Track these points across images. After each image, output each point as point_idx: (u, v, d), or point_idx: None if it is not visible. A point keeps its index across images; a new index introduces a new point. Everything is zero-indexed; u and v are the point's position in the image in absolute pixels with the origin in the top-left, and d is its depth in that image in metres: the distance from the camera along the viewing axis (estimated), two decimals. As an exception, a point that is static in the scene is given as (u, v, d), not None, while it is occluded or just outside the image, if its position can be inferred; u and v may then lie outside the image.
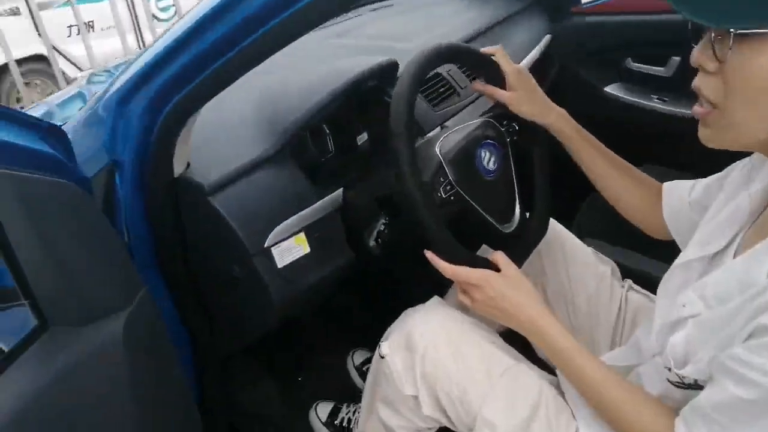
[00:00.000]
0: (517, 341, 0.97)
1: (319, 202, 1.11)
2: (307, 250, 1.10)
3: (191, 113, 0.92)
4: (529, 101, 1.08)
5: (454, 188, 0.98)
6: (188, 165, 1.04)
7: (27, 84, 4.08)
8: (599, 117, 1.31)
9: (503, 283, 0.92)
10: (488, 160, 1.04)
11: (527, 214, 1.12)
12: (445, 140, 1.03)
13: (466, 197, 1.00)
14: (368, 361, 1.64)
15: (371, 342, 1.76)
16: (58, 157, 0.78)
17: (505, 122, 1.11)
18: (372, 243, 0.97)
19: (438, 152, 1.00)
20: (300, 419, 1.52)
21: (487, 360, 0.94)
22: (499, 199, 1.05)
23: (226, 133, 1.12)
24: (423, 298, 1.07)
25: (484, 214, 1.02)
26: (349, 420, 1.47)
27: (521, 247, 1.08)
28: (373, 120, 1.34)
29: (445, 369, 0.94)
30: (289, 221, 1.06)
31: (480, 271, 0.93)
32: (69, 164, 0.81)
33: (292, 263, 1.08)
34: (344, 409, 1.50)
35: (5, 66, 3.71)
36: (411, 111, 0.94)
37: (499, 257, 0.95)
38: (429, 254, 0.94)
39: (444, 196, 0.97)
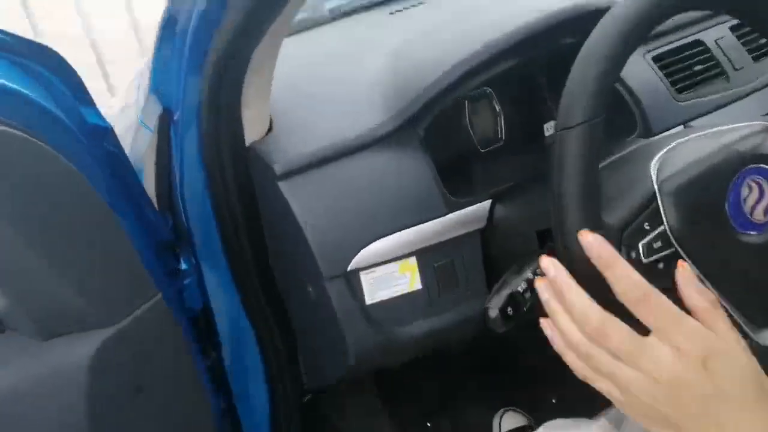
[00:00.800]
0: None
1: (453, 216, 0.72)
2: (417, 285, 0.72)
3: (259, 35, 0.60)
4: None
5: (671, 246, 0.52)
6: (270, 130, 0.73)
7: None
8: None
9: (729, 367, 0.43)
10: (757, 201, 0.55)
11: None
12: (675, 152, 0.57)
13: (693, 267, 0.53)
14: (521, 431, 1.22)
15: (533, 405, 1.34)
16: (18, 94, 0.51)
17: (808, 135, 0.60)
18: (494, 312, 0.56)
19: (653, 173, 0.54)
20: (412, 480, 1.17)
21: None
22: (765, 280, 0.56)
23: (334, 94, 0.78)
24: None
25: (723, 303, 0.54)
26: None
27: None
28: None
29: None
30: (395, 237, 0.69)
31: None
32: (45, 106, 0.54)
33: (388, 301, 0.71)
34: (469, 487, 1.12)
35: None
36: (604, 88, 0.51)
37: (701, 303, 0.45)
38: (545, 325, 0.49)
39: (645, 259, 0.51)
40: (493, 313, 0.56)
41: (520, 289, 0.57)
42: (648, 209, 0.53)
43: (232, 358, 0.87)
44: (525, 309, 0.58)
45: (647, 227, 0.52)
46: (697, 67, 0.89)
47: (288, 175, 0.68)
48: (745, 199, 0.54)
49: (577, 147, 0.49)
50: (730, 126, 0.60)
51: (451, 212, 0.71)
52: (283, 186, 0.68)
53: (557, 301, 0.46)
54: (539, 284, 0.48)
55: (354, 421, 1.19)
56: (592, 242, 0.45)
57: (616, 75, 0.53)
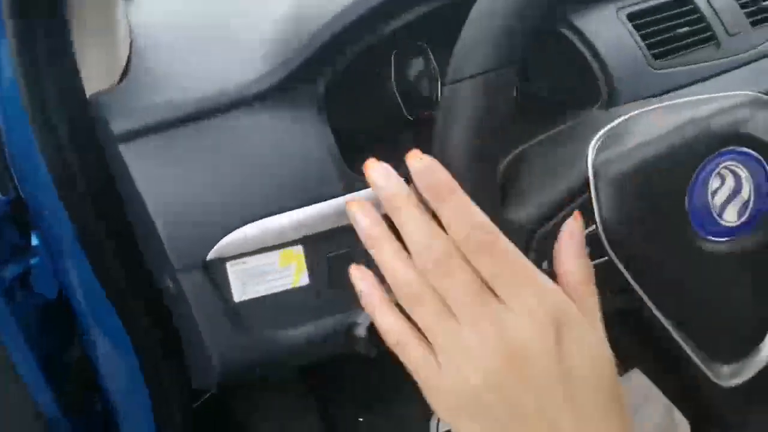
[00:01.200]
0: None
1: (351, 196, 0.57)
2: (303, 280, 0.57)
3: None
4: None
5: (602, 254, 0.38)
6: (123, 79, 0.57)
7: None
8: None
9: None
10: (730, 197, 0.40)
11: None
12: (626, 127, 0.42)
13: (634, 284, 0.38)
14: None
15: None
16: None
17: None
18: (362, 330, 0.41)
19: (591, 153, 0.39)
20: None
21: None
22: (733, 302, 0.41)
23: (221, 36, 0.62)
24: None
25: (674, 334, 0.40)
26: None
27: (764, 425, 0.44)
28: (543, 62, 0.73)
29: None
30: (273, 221, 0.55)
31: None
32: None
33: (265, 299, 0.57)
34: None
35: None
36: (514, 28, 0.35)
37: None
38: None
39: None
40: (361, 331, 0.41)
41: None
42: (575, 202, 0.38)
43: (102, 355, 0.73)
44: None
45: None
46: (682, 30, 0.73)
47: (131, 135, 0.52)
48: (714, 193, 0.39)
49: (467, 107, 0.34)
50: (708, 96, 0.45)
51: (350, 191, 0.56)
52: (125, 149, 0.52)
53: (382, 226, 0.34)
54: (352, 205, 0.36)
55: (274, 419, 1.06)
56: (419, 168, 0.33)
57: (538, 17, 0.37)
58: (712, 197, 0.39)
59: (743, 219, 0.40)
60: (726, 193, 0.40)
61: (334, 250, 0.57)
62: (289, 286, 0.57)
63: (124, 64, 0.57)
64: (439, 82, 0.71)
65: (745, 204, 0.40)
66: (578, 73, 0.69)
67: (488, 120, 0.34)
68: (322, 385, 1.12)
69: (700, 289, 0.40)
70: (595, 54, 0.68)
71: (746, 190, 0.40)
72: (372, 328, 0.41)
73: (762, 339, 0.43)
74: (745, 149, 0.40)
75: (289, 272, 0.57)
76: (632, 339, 0.43)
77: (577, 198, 0.37)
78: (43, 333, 0.67)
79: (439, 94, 0.71)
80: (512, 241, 0.35)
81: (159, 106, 0.53)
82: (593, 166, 0.38)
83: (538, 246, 0.36)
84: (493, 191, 0.35)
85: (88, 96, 0.55)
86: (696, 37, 0.74)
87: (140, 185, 0.52)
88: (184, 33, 0.62)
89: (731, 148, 0.40)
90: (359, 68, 0.61)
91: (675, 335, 0.40)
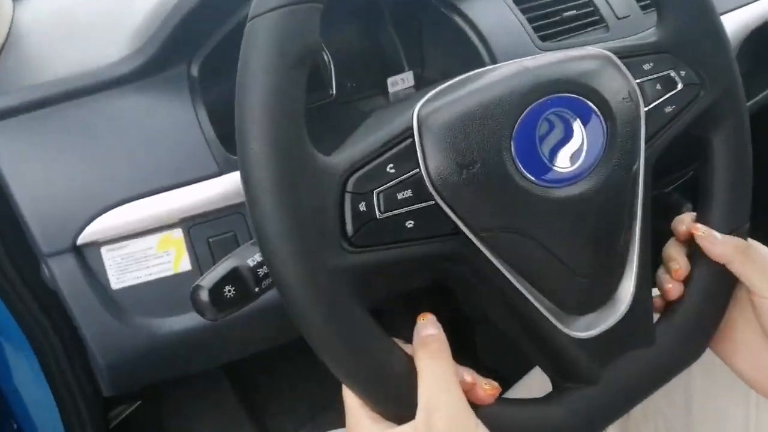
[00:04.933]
0: None
1: (229, 177, 0.56)
2: (185, 266, 0.56)
3: None
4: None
5: (427, 198, 0.38)
6: None
7: None
8: None
9: None
10: (560, 143, 0.41)
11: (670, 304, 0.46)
12: (463, 81, 0.42)
13: (462, 226, 0.38)
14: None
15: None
16: None
17: (647, 65, 0.46)
18: (204, 294, 0.40)
19: (419, 104, 0.40)
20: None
21: None
22: (576, 250, 0.41)
23: (94, 20, 0.62)
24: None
25: (514, 280, 0.40)
26: None
27: (619, 378, 0.44)
28: (436, 49, 0.74)
29: None
30: (147, 203, 0.54)
31: None
32: None
33: (144, 285, 0.55)
34: None
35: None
36: None
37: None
38: None
39: (381, 213, 0.37)
40: (204, 294, 0.40)
41: (251, 262, 0.42)
42: (397, 147, 0.38)
43: (4, 365, 0.71)
44: (257, 290, 0.42)
45: (391, 170, 0.37)
46: (569, 13, 0.75)
47: None
48: (542, 139, 0.40)
49: (265, 37, 0.34)
50: (560, 51, 0.45)
51: (227, 172, 0.56)
52: None
53: None
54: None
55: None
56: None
57: None
58: (541, 143, 0.39)
59: (578, 165, 0.40)
60: (556, 139, 0.40)
61: (216, 233, 0.57)
62: (170, 273, 0.56)
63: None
64: (333, 71, 0.71)
65: (579, 151, 0.41)
66: (467, 57, 0.70)
67: (285, 51, 0.34)
68: (257, 398, 1.10)
69: (539, 237, 0.40)
70: (481, 37, 0.69)
71: (578, 137, 0.41)
72: (214, 292, 0.41)
73: (614, 291, 0.43)
74: (577, 96, 0.41)
75: (168, 258, 0.56)
76: (488, 299, 0.43)
77: (398, 144, 0.37)
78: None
79: (333, 85, 0.72)
80: (324, 181, 0.35)
81: (26, 88, 0.53)
82: (418, 116, 0.38)
83: (354, 188, 0.36)
84: (297, 124, 0.34)
85: None
86: (584, 21, 0.76)
87: (4, 166, 0.51)
88: (57, 26, 0.62)
89: (558, 95, 0.40)
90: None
91: (515, 282, 0.39)
